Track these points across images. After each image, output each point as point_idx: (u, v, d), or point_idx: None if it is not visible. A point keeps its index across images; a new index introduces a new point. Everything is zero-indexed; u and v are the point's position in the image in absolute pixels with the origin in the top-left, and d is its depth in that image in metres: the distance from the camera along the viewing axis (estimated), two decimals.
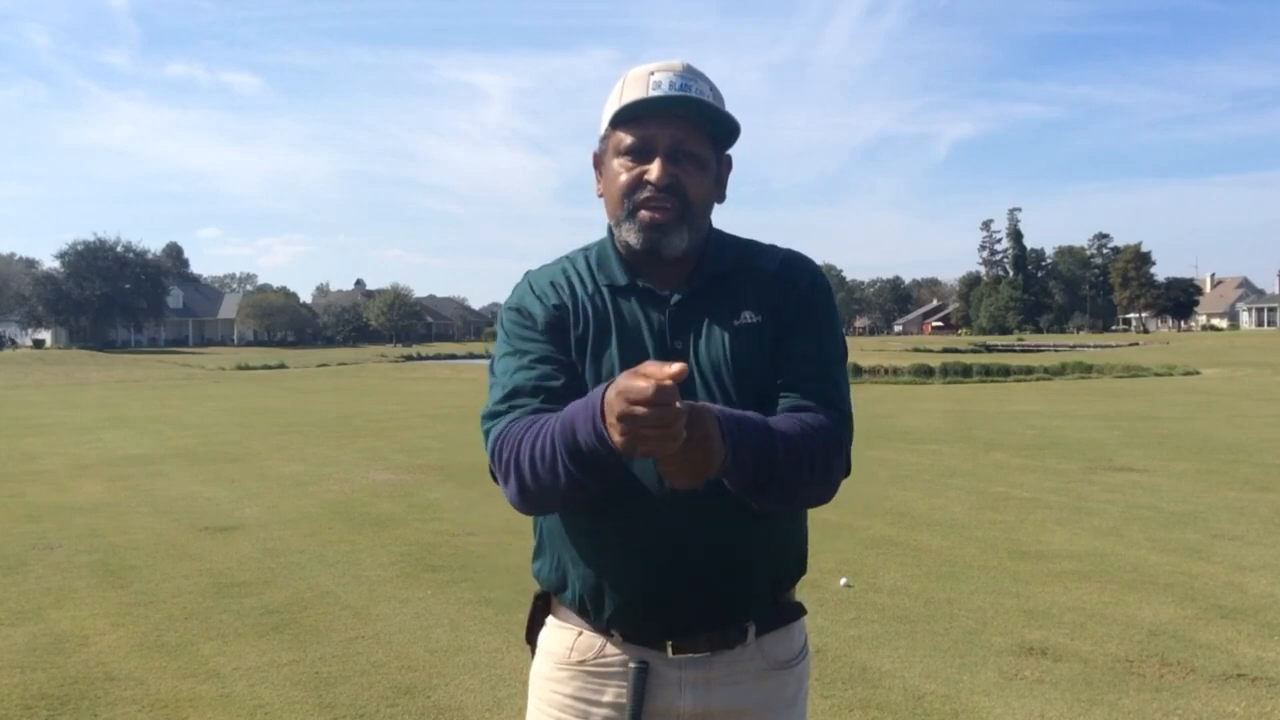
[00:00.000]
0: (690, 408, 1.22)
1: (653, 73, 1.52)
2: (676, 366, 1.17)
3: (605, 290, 1.58)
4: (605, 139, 1.58)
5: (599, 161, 1.61)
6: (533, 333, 1.56)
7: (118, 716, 3.78)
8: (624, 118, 1.53)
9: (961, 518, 7.35)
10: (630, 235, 1.53)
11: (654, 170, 1.50)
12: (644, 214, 1.51)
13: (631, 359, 1.51)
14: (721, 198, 1.62)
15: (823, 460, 1.46)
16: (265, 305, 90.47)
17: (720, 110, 1.53)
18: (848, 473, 1.52)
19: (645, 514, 1.48)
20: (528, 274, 1.66)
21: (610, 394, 1.24)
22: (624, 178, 1.53)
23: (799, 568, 1.63)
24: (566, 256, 1.66)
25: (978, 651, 4.38)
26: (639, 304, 1.57)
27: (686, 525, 1.48)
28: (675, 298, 1.56)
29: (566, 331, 1.56)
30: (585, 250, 1.65)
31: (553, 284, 1.60)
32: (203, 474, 10.37)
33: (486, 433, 1.51)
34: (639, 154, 1.52)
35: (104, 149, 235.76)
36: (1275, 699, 3.83)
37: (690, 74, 1.53)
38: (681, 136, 1.51)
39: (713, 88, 1.55)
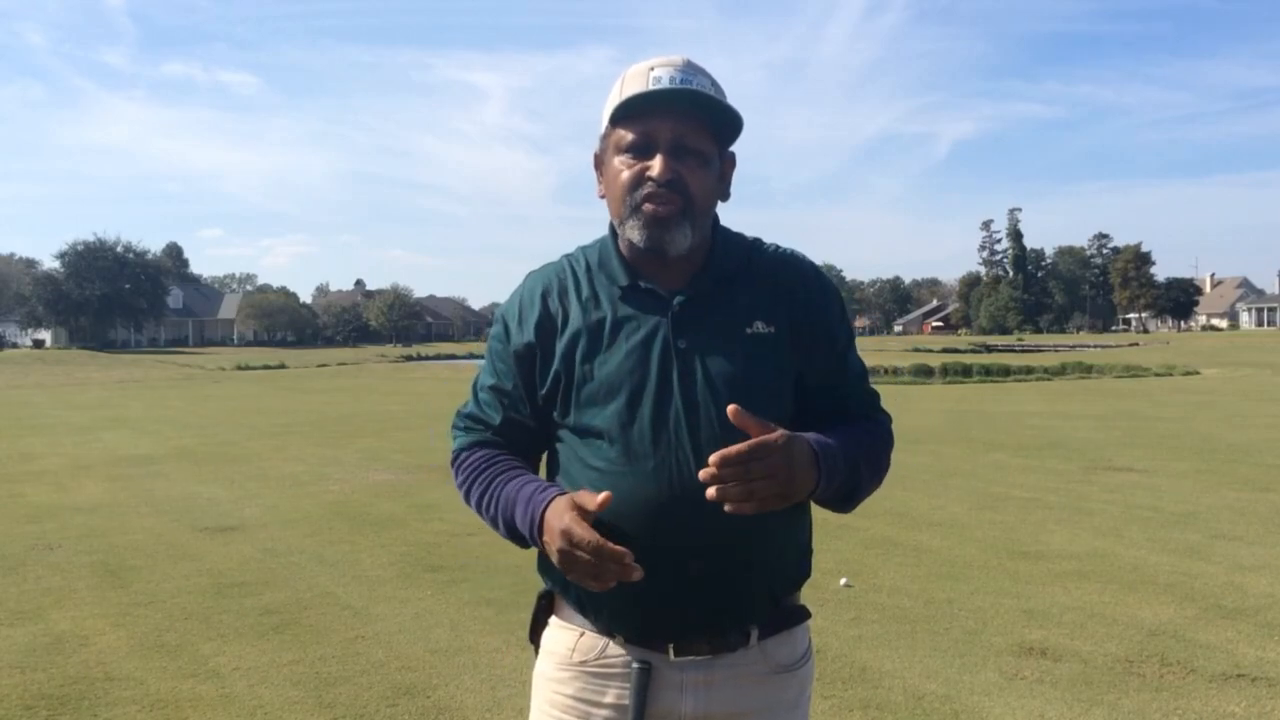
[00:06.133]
0: (787, 440, 1.38)
1: (653, 68, 1.50)
2: (602, 496, 1.38)
3: (605, 291, 1.57)
4: (605, 137, 1.56)
5: (599, 162, 1.59)
6: (504, 353, 1.63)
7: (118, 716, 3.78)
8: (624, 114, 1.51)
9: (961, 518, 7.35)
10: (634, 233, 1.51)
11: (656, 166, 1.48)
12: (647, 208, 1.49)
13: (632, 362, 1.51)
14: (726, 195, 1.60)
15: (887, 462, 1.64)
16: (265, 305, 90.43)
17: (722, 102, 1.51)
18: None
19: (647, 516, 1.48)
20: (527, 277, 1.66)
21: (552, 521, 1.42)
22: (625, 175, 1.51)
23: (801, 571, 1.62)
24: (568, 255, 1.66)
25: (978, 651, 4.38)
26: (641, 305, 1.55)
27: (688, 528, 1.47)
28: (678, 299, 1.54)
29: (544, 347, 1.57)
30: (586, 249, 1.64)
31: (545, 291, 1.60)
32: (202, 474, 10.37)
33: (454, 436, 1.69)
34: (640, 150, 1.50)
35: (103, 148, 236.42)
36: (1275, 699, 3.82)
37: (691, 69, 1.51)
38: (683, 131, 1.49)
39: (714, 83, 1.53)
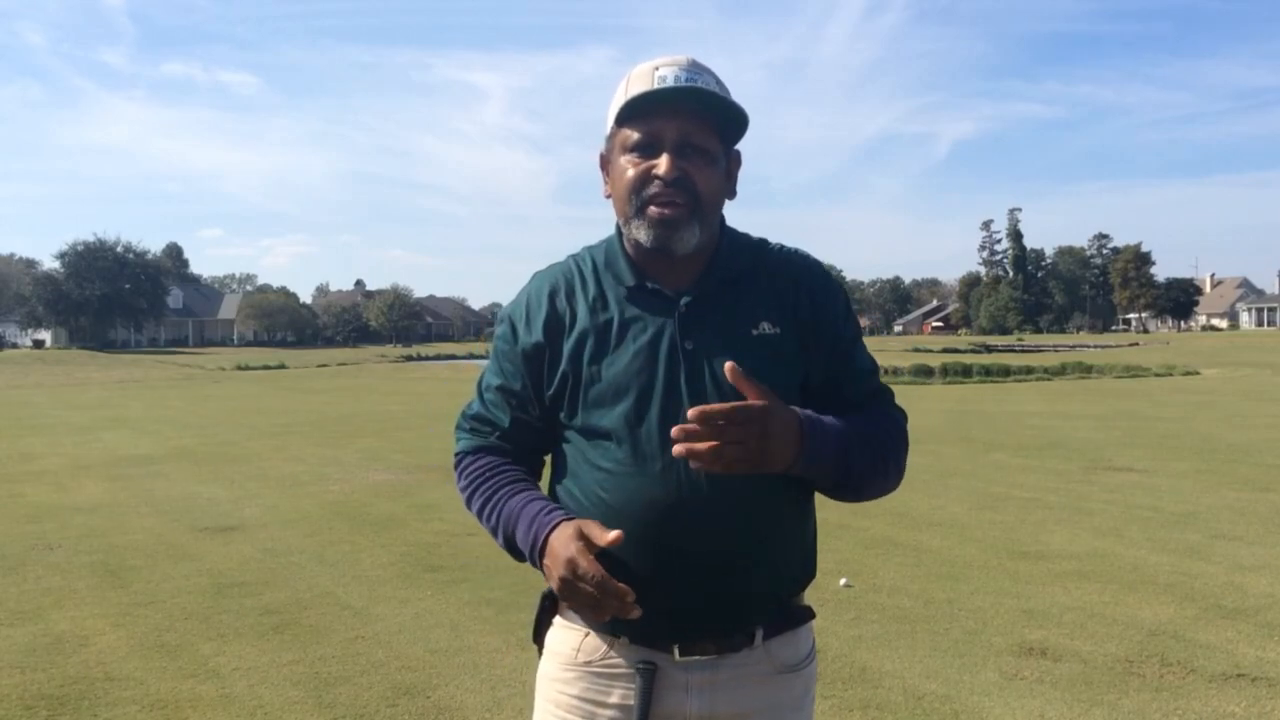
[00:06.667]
0: (766, 410, 1.37)
1: (658, 67, 1.50)
2: (613, 534, 1.39)
3: (612, 292, 1.57)
4: (611, 137, 1.56)
5: (605, 162, 1.59)
6: (511, 353, 1.62)
7: (118, 716, 3.78)
8: (630, 113, 1.51)
9: (961, 518, 7.35)
10: (640, 233, 1.51)
11: (662, 165, 1.48)
12: (653, 209, 1.49)
13: (639, 363, 1.51)
14: (732, 194, 1.60)
15: (895, 455, 1.58)
16: (265, 305, 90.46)
17: (728, 100, 1.51)
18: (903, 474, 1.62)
19: (652, 519, 1.48)
20: (533, 277, 1.66)
21: (558, 547, 1.42)
22: (631, 174, 1.51)
23: (806, 571, 1.62)
24: (574, 255, 1.65)
25: (978, 651, 4.38)
26: (647, 306, 1.54)
27: (695, 529, 1.47)
28: (685, 299, 1.53)
29: (552, 347, 1.56)
30: (593, 249, 1.64)
31: (552, 291, 1.60)
32: (202, 474, 10.37)
33: (458, 438, 1.68)
34: (646, 149, 1.50)
35: (103, 148, 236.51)
36: (1275, 699, 3.83)
37: (696, 68, 1.51)
38: (689, 130, 1.49)
39: (719, 81, 1.53)
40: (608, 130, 1.57)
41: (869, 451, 1.52)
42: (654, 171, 1.49)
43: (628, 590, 1.38)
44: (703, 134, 1.50)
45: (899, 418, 1.61)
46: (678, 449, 1.34)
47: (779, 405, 1.39)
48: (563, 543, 1.42)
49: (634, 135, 1.51)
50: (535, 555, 1.48)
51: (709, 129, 1.51)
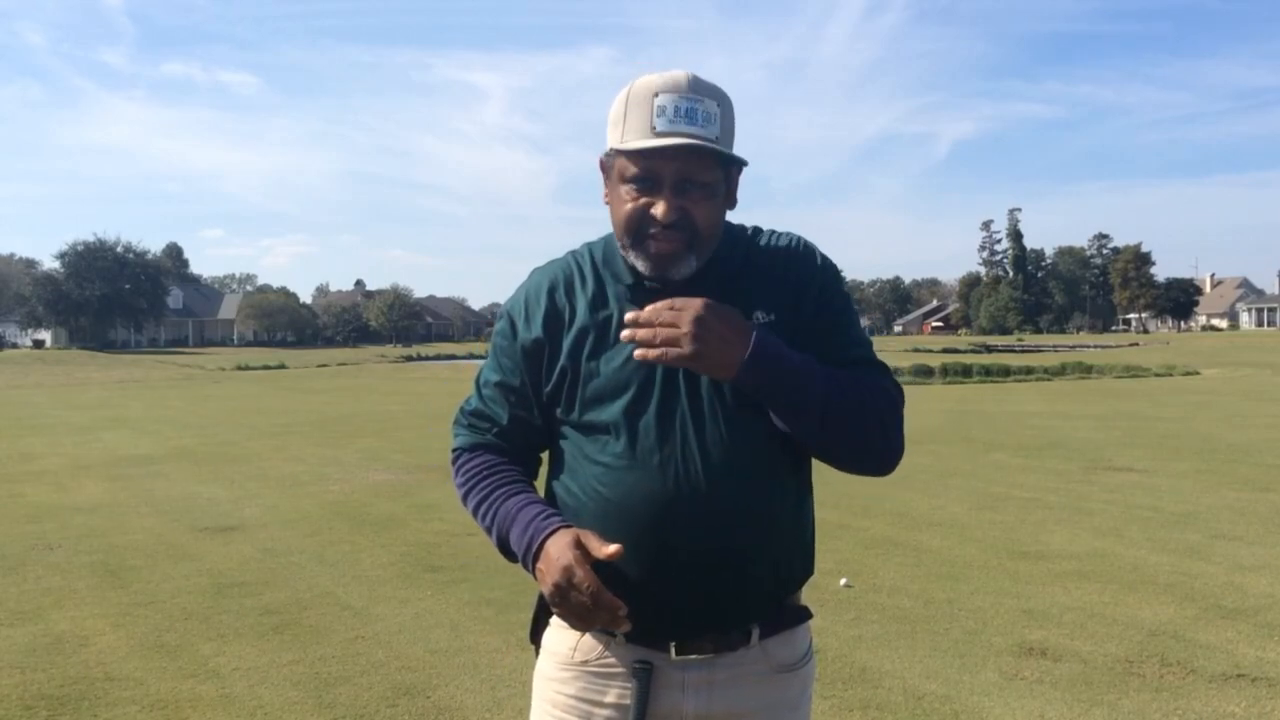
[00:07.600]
0: (710, 305, 1.40)
1: (656, 94, 1.46)
2: (612, 548, 1.40)
3: (611, 289, 1.57)
4: (610, 155, 1.53)
5: (605, 168, 1.56)
6: (510, 349, 1.62)
7: (118, 716, 3.78)
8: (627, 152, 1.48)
9: (961, 518, 7.35)
10: (638, 262, 1.51)
11: (660, 208, 1.46)
12: (652, 246, 1.48)
13: (638, 359, 1.51)
14: (732, 205, 1.58)
15: (879, 412, 1.50)
16: (265, 306, 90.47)
17: (727, 154, 1.48)
18: (901, 449, 1.54)
19: (649, 514, 1.48)
20: (532, 273, 1.66)
21: (554, 554, 1.43)
22: (629, 208, 1.49)
23: (804, 570, 1.62)
24: (574, 252, 1.65)
25: (978, 651, 4.38)
26: (646, 303, 1.51)
27: (693, 525, 1.47)
28: None
29: (551, 343, 1.56)
30: (592, 245, 1.64)
31: (551, 287, 1.60)
32: (202, 474, 10.37)
33: (455, 433, 1.68)
34: (644, 184, 1.47)
35: (103, 148, 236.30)
36: (1275, 699, 3.83)
37: (696, 94, 1.47)
38: (688, 170, 1.46)
39: (720, 100, 1.49)
40: (607, 140, 1.54)
41: (844, 388, 1.46)
42: (652, 209, 1.47)
43: (620, 604, 1.39)
44: (702, 169, 1.47)
45: (890, 387, 1.53)
46: (625, 334, 1.42)
47: (729, 308, 1.42)
48: (560, 550, 1.43)
49: (632, 168, 1.48)
50: (528, 559, 1.48)
51: (708, 163, 1.48)
